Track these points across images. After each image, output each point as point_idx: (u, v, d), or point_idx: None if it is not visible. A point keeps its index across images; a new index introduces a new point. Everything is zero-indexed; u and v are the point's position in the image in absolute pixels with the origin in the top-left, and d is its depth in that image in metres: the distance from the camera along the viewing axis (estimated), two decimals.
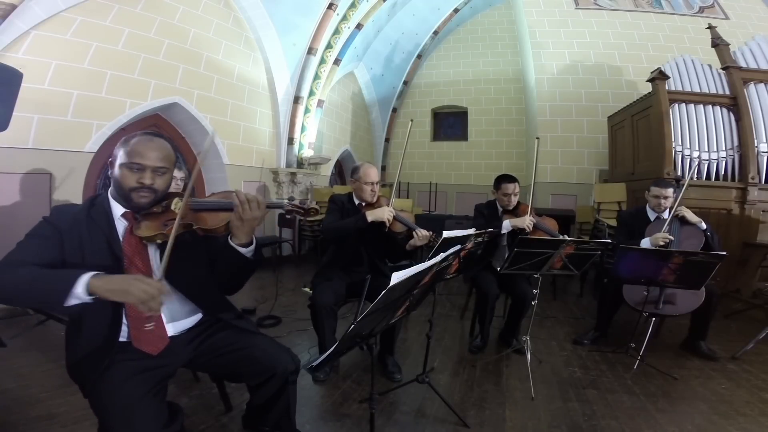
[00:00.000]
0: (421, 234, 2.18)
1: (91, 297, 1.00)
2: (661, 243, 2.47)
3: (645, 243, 2.56)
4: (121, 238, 1.21)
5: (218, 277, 1.35)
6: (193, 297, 1.32)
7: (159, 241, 1.19)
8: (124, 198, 1.21)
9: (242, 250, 1.25)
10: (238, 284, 1.39)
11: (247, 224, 1.21)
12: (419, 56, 8.22)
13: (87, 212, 1.20)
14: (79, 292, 0.98)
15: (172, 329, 1.27)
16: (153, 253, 1.25)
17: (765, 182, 3.99)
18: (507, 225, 2.60)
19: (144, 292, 0.98)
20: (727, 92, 4.24)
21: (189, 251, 1.28)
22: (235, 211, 1.19)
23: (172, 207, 1.23)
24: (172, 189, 1.33)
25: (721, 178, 4.09)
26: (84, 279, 0.99)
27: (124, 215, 1.23)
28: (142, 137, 1.22)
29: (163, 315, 1.24)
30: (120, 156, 1.20)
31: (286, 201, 1.32)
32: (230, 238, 1.24)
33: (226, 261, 1.28)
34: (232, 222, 1.21)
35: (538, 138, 3.11)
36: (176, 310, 1.30)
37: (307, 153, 5.81)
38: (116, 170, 1.20)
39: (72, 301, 0.99)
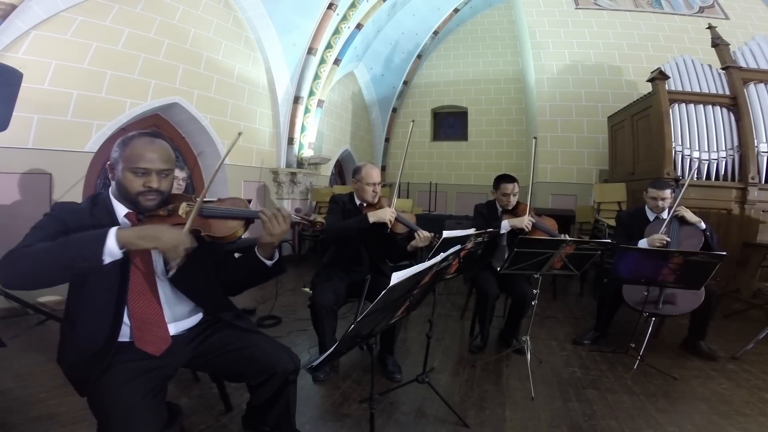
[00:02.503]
0: (423, 235, 2.18)
1: (122, 250, 1.02)
2: (658, 245, 2.47)
3: (642, 245, 2.56)
4: None
5: (231, 278, 1.37)
6: (195, 297, 1.32)
7: None
8: (131, 202, 1.20)
9: (268, 262, 1.30)
10: (248, 288, 1.42)
11: (276, 238, 1.26)
12: (419, 56, 8.21)
13: (90, 211, 1.20)
14: (111, 244, 1.00)
15: (173, 329, 1.27)
16: (156, 255, 1.24)
17: (765, 182, 4.00)
18: (505, 225, 2.61)
19: (173, 239, 1.06)
20: (727, 92, 4.24)
21: (195, 254, 1.27)
22: (263, 227, 1.25)
23: (180, 212, 1.22)
24: (173, 190, 1.33)
25: (721, 178, 4.09)
26: (113, 231, 1.01)
27: (127, 216, 1.22)
28: (141, 139, 1.21)
29: (165, 315, 1.24)
30: (121, 160, 1.18)
31: (293, 213, 1.33)
32: (257, 249, 1.30)
33: (247, 268, 1.33)
34: (262, 237, 1.27)
35: (535, 138, 3.13)
36: (178, 309, 1.30)
37: (307, 153, 5.81)
38: (119, 174, 1.19)
39: (107, 258, 1.00)
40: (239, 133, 1.48)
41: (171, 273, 1.17)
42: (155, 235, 1.05)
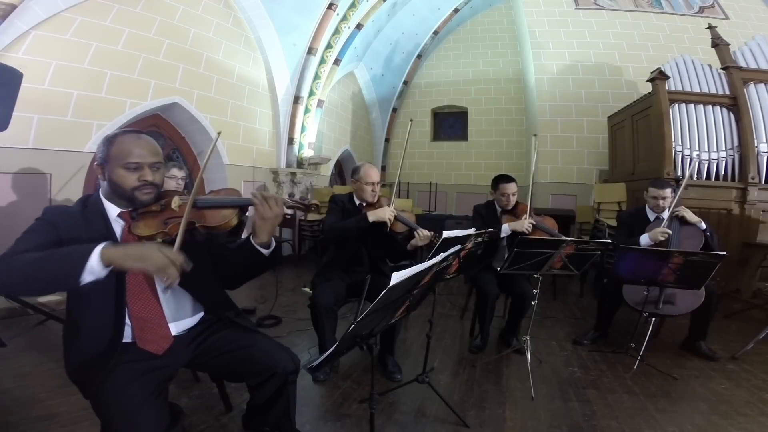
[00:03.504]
0: (423, 234, 2.18)
1: (107, 269, 0.97)
2: (661, 238, 2.47)
3: (644, 238, 2.56)
4: (119, 239, 1.20)
5: (230, 272, 1.35)
6: (197, 296, 1.33)
7: (160, 240, 1.18)
8: (127, 198, 1.19)
9: (263, 250, 1.27)
10: (247, 280, 1.40)
11: (269, 223, 1.23)
12: (419, 56, 8.22)
13: (82, 213, 1.19)
14: (94, 263, 0.95)
15: (174, 329, 1.27)
16: None
17: (765, 182, 3.99)
18: (506, 229, 2.61)
19: (163, 258, 0.98)
20: (727, 92, 4.24)
21: (193, 250, 1.27)
22: (256, 210, 1.22)
23: (173, 205, 1.21)
24: (172, 188, 1.33)
25: (721, 178, 4.09)
26: (97, 250, 0.96)
27: (120, 215, 1.21)
28: (126, 135, 1.20)
29: (166, 314, 1.24)
30: (110, 159, 1.17)
31: (286, 198, 1.32)
32: (252, 237, 1.27)
33: (243, 258, 1.30)
34: (254, 222, 1.24)
35: (535, 135, 3.10)
36: (179, 309, 1.30)
37: (307, 153, 5.81)
38: (110, 173, 1.17)
39: (87, 278, 0.95)
40: (218, 133, 1.49)
41: (167, 291, 1.20)
42: (143, 256, 0.98)
